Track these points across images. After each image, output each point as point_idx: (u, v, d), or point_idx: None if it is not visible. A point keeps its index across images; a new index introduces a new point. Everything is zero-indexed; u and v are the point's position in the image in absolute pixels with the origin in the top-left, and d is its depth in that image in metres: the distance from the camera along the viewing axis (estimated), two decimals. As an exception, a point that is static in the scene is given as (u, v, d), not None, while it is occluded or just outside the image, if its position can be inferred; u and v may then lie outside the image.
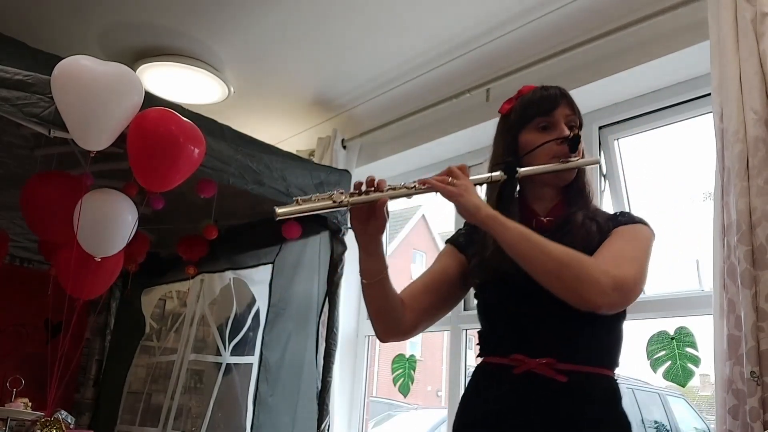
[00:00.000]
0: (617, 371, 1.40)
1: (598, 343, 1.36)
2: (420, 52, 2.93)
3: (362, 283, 1.44)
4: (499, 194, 1.45)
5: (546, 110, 1.48)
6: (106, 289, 2.84)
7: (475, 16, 2.64)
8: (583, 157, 1.48)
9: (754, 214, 1.76)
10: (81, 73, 1.99)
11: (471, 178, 1.39)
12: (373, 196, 1.32)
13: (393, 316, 1.46)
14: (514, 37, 2.71)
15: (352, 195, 1.32)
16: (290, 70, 3.22)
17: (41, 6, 2.82)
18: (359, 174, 3.48)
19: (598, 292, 1.24)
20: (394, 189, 1.36)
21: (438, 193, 1.37)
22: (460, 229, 1.61)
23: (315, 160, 3.50)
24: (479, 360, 1.45)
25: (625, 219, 1.43)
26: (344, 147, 3.51)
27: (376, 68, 3.10)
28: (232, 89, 3.34)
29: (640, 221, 1.43)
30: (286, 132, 3.79)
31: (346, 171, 3.13)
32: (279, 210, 1.27)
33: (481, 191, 1.48)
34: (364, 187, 1.34)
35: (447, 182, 1.36)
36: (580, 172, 1.49)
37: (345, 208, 1.32)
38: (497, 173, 1.44)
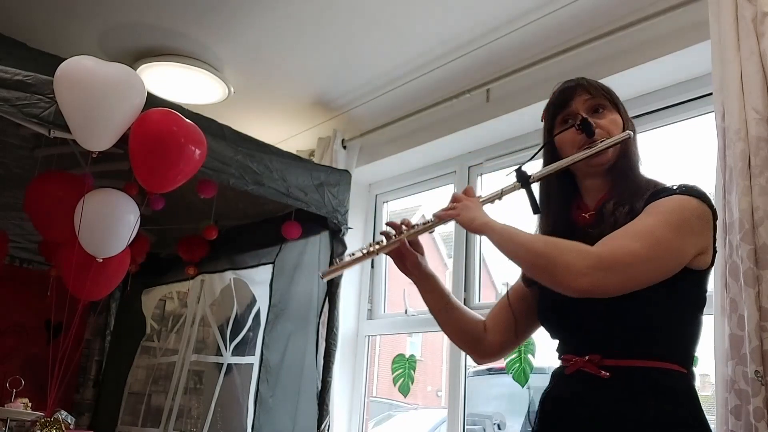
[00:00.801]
0: (685, 365, 1.30)
1: (647, 336, 1.29)
2: (420, 53, 2.93)
3: (432, 314, 1.57)
4: (531, 202, 1.46)
5: (563, 103, 1.46)
6: (110, 291, 2.84)
7: (475, 16, 2.64)
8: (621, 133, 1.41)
9: (756, 213, 1.76)
10: (83, 73, 1.99)
11: (484, 196, 1.46)
12: (394, 241, 1.49)
13: (473, 340, 1.56)
14: (514, 38, 2.71)
15: (379, 244, 1.50)
16: (290, 71, 3.21)
17: (41, 6, 2.82)
18: (359, 174, 3.49)
19: (573, 275, 1.23)
20: (413, 228, 1.50)
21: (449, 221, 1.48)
22: None
23: (315, 160, 3.50)
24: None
25: (664, 193, 1.32)
26: (344, 147, 3.51)
27: (377, 68, 3.10)
28: (232, 89, 3.34)
29: (684, 191, 1.31)
30: (286, 132, 3.79)
31: (346, 171, 3.13)
32: (322, 272, 1.65)
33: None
34: (390, 231, 1.51)
35: (449, 208, 1.46)
36: (620, 152, 1.40)
37: (376, 256, 1.51)
38: (509, 185, 1.45)
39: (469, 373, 3.10)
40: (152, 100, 2.22)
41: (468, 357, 3.02)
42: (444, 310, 1.55)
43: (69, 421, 2.83)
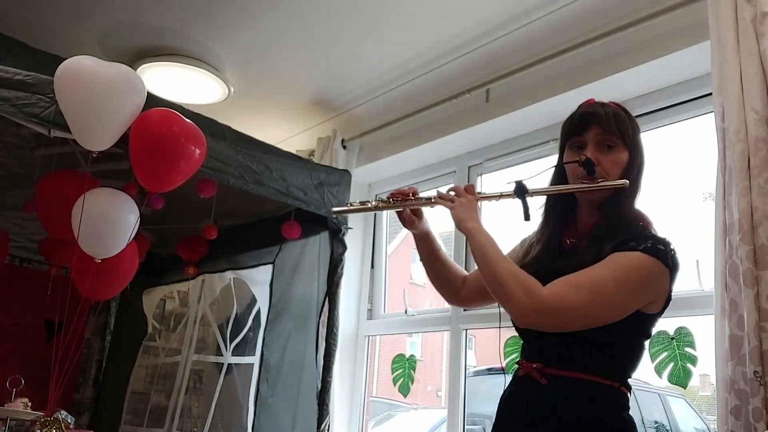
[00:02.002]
0: (617, 380, 1.45)
1: (588, 353, 1.44)
2: (420, 53, 2.93)
3: (420, 261, 1.80)
4: (525, 212, 1.58)
5: (577, 131, 1.56)
6: (119, 290, 2.83)
7: (475, 16, 2.64)
8: (626, 177, 1.50)
9: (755, 214, 1.76)
10: (84, 73, 1.99)
11: (483, 194, 1.62)
12: (395, 206, 1.71)
13: (449, 289, 1.80)
14: (514, 38, 2.71)
15: (386, 202, 1.73)
16: (290, 71, 3.22)
17: (42, 6, 2.82)
18: (359, 174, 3.49)
19: (517, 312, 1.42)
20: (412, 199, 1.70)
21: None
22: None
23: (315, 160, 3.50)
24: None
25: (631, 245, 1.41)
26: (344, 147, 3.51)
27: (376, 68, 3.10)
28: (232, 89, 3.34)
29: (646, 250, 1.40)
30: (286, 132, 3.79)
31: (346, 171, 3.13)
32: (334, 209, 2.05)
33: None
34: (402, 190, 1.73)
35: (448, 197, 1.61)
36: (612, 193, 1.50)
37: (378, 211, 1.73)
38: (507, 191, 1.57)
39: (469, 373, 3.10)
40: (152, 100, 2.22)
41: (468, 357, 3.04)
42: (429, 261, 1.78)
43: (69, 421, 2.83)
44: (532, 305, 1.38)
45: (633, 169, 1.52)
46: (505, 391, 1.58)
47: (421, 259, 1.80)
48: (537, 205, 1.61)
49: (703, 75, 2.31)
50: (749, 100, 1.85)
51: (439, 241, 1.82)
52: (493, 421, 1.57)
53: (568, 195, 1.57)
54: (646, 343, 1.53)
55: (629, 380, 1.49)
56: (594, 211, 1.54)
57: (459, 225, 1.54)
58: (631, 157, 1.52)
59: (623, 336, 1.45)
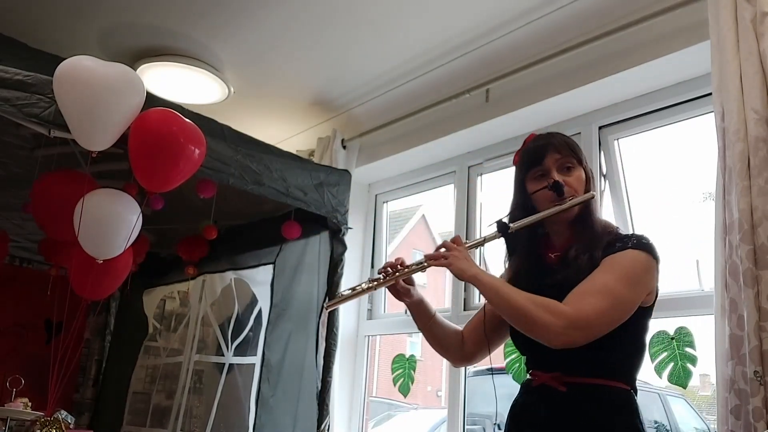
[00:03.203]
0: (629, 383, 1.55)
1: (601, 358, 1.51)
2: (420, 53, 2.93)
3: (419, 329, 1.84)
4: (507, 247, 1.75)
5: (536, 161, 1.67)
6: (114, 290, 2.83)
7: (475, 16, 2.64)
8: (588, 191, 1.66)
9: (755, 214, 1.76)
10: (83, 73, 1.99)
11: (469, 242, 1.70)
12: (389, 280, 1.73)
13: (452, 349, 1.83)
14: (514, 38, 2.71)
15: (377, 281, 1.74)
16: (290, 71, 3.22)
17: (41, 6, 2.82)
18: (359, 174, 3.49)
19: (552, 335, 1.46)
20: (406, 268, 1.73)
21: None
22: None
23: (315, 160, 3.50)
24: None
25: (619, 246, 1.55)
26: (344, 147, 3.50)
27: (376, 68, 3.10)
28: (232, 89, 3.34)
29: (635, 246, 1.54)
30: (286, 132, 3.79)
31: (346, 171, 3.13)
32: (327, 305, 2.05)
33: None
34: (389, 264, 1.75)
35: (441, 255, 1.66)
36: (583, 207, 1.64)
37: (370, 292, 1.79)
38: (491, 233, 1.68)
39: (469, 373, 3.10)
40: (152, 100, 2.22)
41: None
42: (427, 329, 1.81)
43: (69, 421, 2.83)
44: (564, 324, 1.44)
45: (591, 184, 1.68)
46: (517, 403, 1.65)
47: (420, 328, 1.83)
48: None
49: (703, 75, 2.31)
50: (749, 100, 1.85)
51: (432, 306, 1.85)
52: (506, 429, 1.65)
53: (530, 224, 1.66)
54: (647, 340, 1.62)
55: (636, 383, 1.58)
56: (567, 227, 1.66)
57: (462, 276, 1.60)
58: (586, 174, 1.69)
59: (628, 334, 1.53)
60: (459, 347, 1.81)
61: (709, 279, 2.08)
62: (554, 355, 1.52)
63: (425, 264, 1.68)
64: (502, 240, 1.71)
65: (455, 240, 1.68)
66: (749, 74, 1.87)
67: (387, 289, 1.79)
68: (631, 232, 1.60)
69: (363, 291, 1.76)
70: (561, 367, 1.54)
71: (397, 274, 1.72)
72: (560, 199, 1.62)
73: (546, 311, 1.46)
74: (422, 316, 1.81)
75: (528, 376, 1.66)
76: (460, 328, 1.85)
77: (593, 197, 1.64)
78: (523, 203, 1.69)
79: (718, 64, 1.98)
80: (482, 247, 1.75)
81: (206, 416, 3.29)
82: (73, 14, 2.87)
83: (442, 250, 1.67)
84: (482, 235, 1.73)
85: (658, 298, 1.60)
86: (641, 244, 1.54)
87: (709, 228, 1.95)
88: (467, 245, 1.68)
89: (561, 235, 1.68)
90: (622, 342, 1.53)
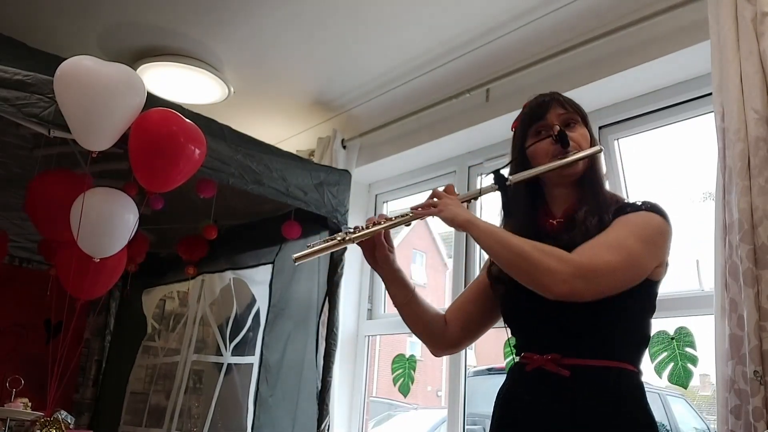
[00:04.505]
0: (635, 364, 1.39)
1: (606, 337, 1.37)
2: (420, 52, 2.93)
3: (396, 307, 1.61)
4: (503, 205, 1.54)
5: (539, 116, 1.53)
6: (107, 290, 2.83)
7: (475, 16, 2.64)
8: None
9: (755, 213, 1.76)
10: (84, 73, 1.99)
11: (463, 193, 1.51)
12: (370, 230, 1.51)
13: (434, 333, 1.62)
14: (514, 37, 2.71)
15: (354, 232, 1.50)
16: (290, 70, 3.22)
17: (42, 6, 2.82)
18: (359, 174, 3.49)
19: (555, 281, 1.29)
20: (390, 220, 1.52)
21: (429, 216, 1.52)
22: None
23: (315, 160, 3.50)
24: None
25: (631, 208, 1.42)
26: (344, 147, 3.50)
27: (376, 68, 3.10)
28: (232, 89, 3.34)
29: (648, 208, 1.41)
30: (286, 132, 3.79)
31: (346, 171, 3.13)
32: (295, 255, 1.51)
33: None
34: (363, 225, 1.53)
35: (430, 203, 1.49)
36: (589, 165, 1.49)
37: (350, 244, 1.51)
38: (487, 185, 1.51)
39: (469, 373, 3.10)
40: (152, 100, 2.22)
41: (467, 357, 3.04)
42: (407, 304, 1.59)
43: (69, 421, 2.83)
44: (571, 271, 1.29)
45: (596, 142, 1.54)
46: (505, 390, 1.48)
47: (396, 305, 1.61)
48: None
49: (703, 75, 2.31)
50: (749, 100, 1.85)
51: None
52: (495, 422, 1.47)
53: (533, 183, 1.52)
54: (652, 321, 1.46)
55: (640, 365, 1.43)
56: (571, 188, 1.51)
57: (454, 222, 1.44)
58: (591, 135, 1.55)
59: (634, 312, 1.40)
60: (441, 332, 1.61)
61: (709, 279, 2.08)
62: (551, 334, 1.39)
63: (411, 215, 1.51)
64: (498, 196, 1.53)
65: (447, 189, 1.52)
66: (749, 74, 1.87)
67: (363, 255, 1.59)
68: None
69: (338, 243, 1.50)
70: (559, 347, 1.37)
71: (379, 226, 1.51)
72: (564, 152, 1.47)
73: (551, 257, 1.31)
74: (401, 288, 1.59)
75: (518, 359, 1.48)
76: (442, 312, 1.66)
77: (601, 150, 1.50)
78: (521, 161, 1.53)
79: (718, 64, 1.98)
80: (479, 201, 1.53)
81: (204, 416, 3.29)
82: (73, 14, 2.87)
83: (434, 200, 1.50)
84: (478, 188, 1.54)
85: (658, 298, 1.47)
86: (655, 208, 1.41)
87: (709, 228, 1.95)
88: (460, 197, 1.50)
89: (562, 200, 1.52)
90: (631, 318, 1.39)
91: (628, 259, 1.33)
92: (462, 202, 1.49)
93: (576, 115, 1.54)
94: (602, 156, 1.54)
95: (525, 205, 1.53)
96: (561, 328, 1.38)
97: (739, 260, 1.75)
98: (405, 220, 1.51)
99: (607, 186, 1.58)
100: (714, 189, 1.94)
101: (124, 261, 2.59)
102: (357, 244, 1.53)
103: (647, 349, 1.47)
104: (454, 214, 1.44)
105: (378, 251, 1.56)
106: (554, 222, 1.50)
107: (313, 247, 1.51)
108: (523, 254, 1.33)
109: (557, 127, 1.48)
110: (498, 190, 1.50)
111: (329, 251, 1.54)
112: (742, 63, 1.90)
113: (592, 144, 1.52)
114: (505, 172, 1.53)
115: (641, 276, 1.36)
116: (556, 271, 1.29)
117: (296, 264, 1.50)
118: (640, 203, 1.43)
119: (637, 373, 1.39)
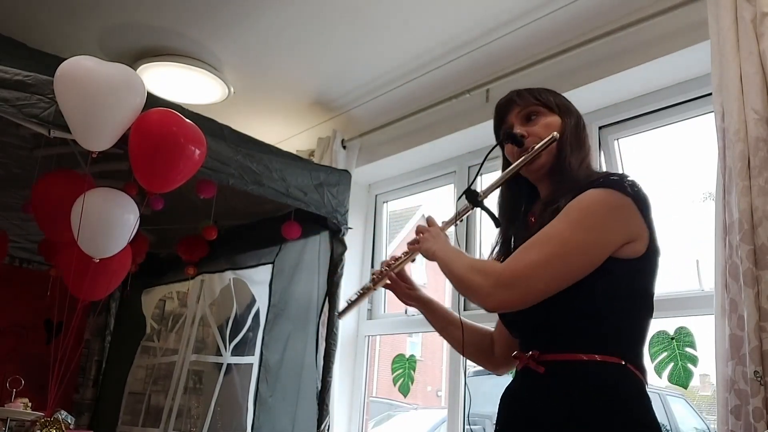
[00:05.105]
0: (620, 356, 1.29)
1: (579, 329, 1.32)
2: (420, 53, 2.93)
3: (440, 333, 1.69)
4: (491, 218, 1.56)
5: (501, 120, 1.58)
6: (111, 291, 2.83)
7: (475, 16, 2.64)
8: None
9: (755, 214, 1.76)
10: (84, 73, 1.99)
11: (443, 220, 1.55)
12: (381, 276, 1.62)
13: (483, 353, 1.65)
14: (514, 38, 2.71)
15: (374, 279, 1.63)
16: (290, 71, 3.22)
17: (41, 7, 2.82)
18: (359, 174, 3.49)
19: (481, 296, 1.33)
20: (395, 261, 1.62)
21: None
22: None
23: (315, 160, 3.50)
24: None
25: (584, 187, 1.35)
26: (344, 147, 3.50)
27: (376, 69, 3.10)
28: (232, 89, 3.34)
29: (599, 184, 1.34)
30: (286, 132, 3.79)
31: (346, 171, 3.13)
32: (338, 312, 1.80)
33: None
34: (376, 272, 1.65)
35: (415, 240, 1.55)
36: (555, 153, 1.46)
37: (374, 290, 1.66)
38: (462, 206, 1.54)
39: (469, 373, 3.10)
40: (152, 100, 2.22)
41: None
42: (444, 329, 1.66)
43: (69, 421, 2.82)
44: (492, 283, 1.30)
45: (568, 127, 1.49)
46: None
47: (439, 332, 1.68)
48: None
49: (703, 75, 2.31)
50: (749, 100, 1.85)
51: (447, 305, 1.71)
52: (496, 421, 1.46)
53: (523, 184, 1.54)
54: (643, 304, 1.36)
55: (640, 359, 1.34)
56: (547, 181, 1.49)
57: (428, 257, 1.48)
58: (564, 118, 1.51)
59: (611, 297, 1.31)
60: (490, 351, 1.62)
61: (709, 279, 2.08)
62: (532, 331, 1.39)
63: (409, 252, 1.57)
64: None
65: (428, 221, 1.55)
66: (749, 74, 1.87)
67: (395, 295, 1.70)
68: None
69: (367, 291, 1.63)
70: (538, 344, 1.36)
71: (389, 267, 1.61)
72: (522, 150, 1.48)
73: (478, 273, 1.33)
74: (434, 317, 1.67)
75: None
76: (491, 329, 1.66)
77: (555, 140, 1.44)
78: (505, 166, 1.56)
79: (718, 64, 1.98)
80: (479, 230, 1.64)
81: (204, 416, 3.29)
82: (73, 14, 2.87)
83: (419, 235, 1.54)
84: (456, 212, 1.56)
85: (656, 298, 1.39)
86: (607, 182, 1.33)
87: (709, 228, 1.95)
88: (441, 225, 1.54)
89: (544, 195, 1.51)
90: (609, 306, 1.31)
91: (557, 251, 1.28)
92: (445, 229, 1.53)
93: (537, 105, 1.52)
94: (579, 133, 1.51)
95: (510, 209, 1.56)
96: (537, 325, 1.38)
97: (740, 260, 1.75)
98: (407, 259, 1.60)
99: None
100: (714, 189, 1.94)
101: (129, 262, 2.60)
102: (384, 287, 1.68)
103: (646, 345, 1.39)
104: (425, 249, 1.49)
105: (397, 291, 1.68)
106: (533, 219, 1.50)
107: (352, 301, 1.66)
108: (457, 278, 1.38)
109: (507, 130, 1.51)
110: (474, 207, 1.52)
111: (365, 298, 1.67)
112: (742, 63, 1.90)
113: (564, 126, 1.49)
114: (477, 184, 1.62)
115: (588, 262, 1.28)
116: (480, 286, 1.32)
117: (340, 319, 1.72)
118: (598, 179, 1.37)
119: (625, 367, 1.28)
